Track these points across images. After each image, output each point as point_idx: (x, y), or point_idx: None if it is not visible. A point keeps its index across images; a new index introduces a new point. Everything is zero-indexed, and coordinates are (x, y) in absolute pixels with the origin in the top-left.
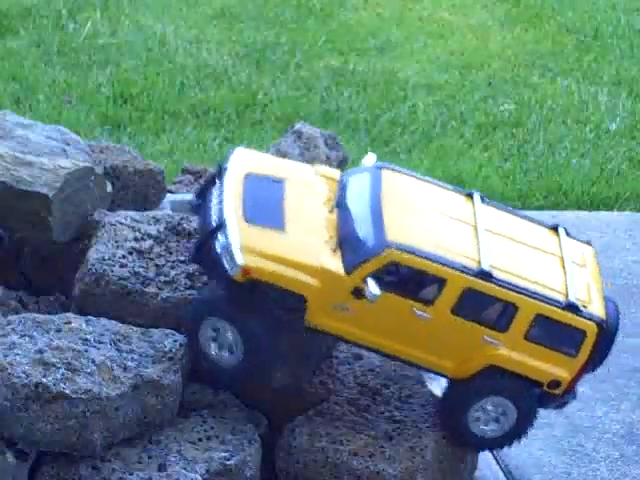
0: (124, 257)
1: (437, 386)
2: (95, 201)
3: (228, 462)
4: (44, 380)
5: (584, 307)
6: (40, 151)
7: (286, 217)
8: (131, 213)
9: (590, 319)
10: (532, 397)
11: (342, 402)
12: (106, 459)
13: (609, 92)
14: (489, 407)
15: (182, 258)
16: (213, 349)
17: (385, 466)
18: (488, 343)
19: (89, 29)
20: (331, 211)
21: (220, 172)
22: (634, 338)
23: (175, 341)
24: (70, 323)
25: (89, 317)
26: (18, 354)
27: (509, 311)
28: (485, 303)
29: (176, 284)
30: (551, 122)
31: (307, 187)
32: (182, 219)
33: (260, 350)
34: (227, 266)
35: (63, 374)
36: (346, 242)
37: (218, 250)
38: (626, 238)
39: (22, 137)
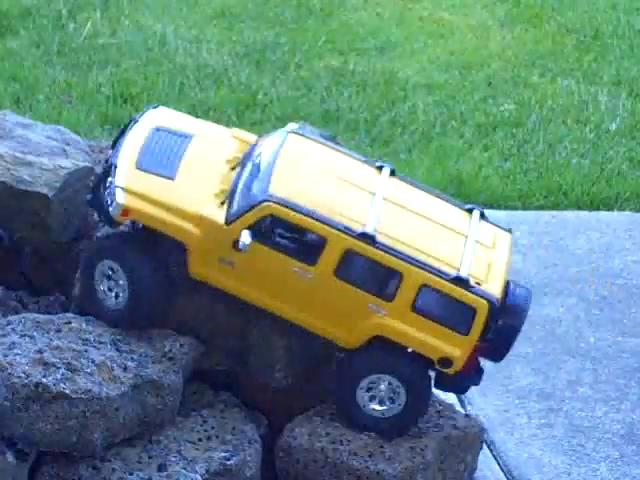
0: None
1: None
2: None
3: (228, 462)
4: (44, 380)
5: (477, 284)
6: (40, 151)
7: (180, 169)
8: None
9: (481, 296)
10: (423, 375)
11: None
12: (106, 459)
13: (609, 92)
14: (380, 385)
15: None
16: (103, 291)
17: (385, 466)
18: (374, 312)
19: (89, 29)
20: (233, 168)
21: (129, 124)
22: (634, 338)
23: (175, 341)
24: (70, 323)
25: (89, 317)
26: (18, 354)
27: (394, 279)
28: (369, 268)
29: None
30: (551, 122)
31: (215, 145)
32: None
33: (143, 294)
34: (109, 207)
35: (63, 374)
36: (234, 195)
37: (105, 192)
38: (626, 238)
39: (22, 137)
